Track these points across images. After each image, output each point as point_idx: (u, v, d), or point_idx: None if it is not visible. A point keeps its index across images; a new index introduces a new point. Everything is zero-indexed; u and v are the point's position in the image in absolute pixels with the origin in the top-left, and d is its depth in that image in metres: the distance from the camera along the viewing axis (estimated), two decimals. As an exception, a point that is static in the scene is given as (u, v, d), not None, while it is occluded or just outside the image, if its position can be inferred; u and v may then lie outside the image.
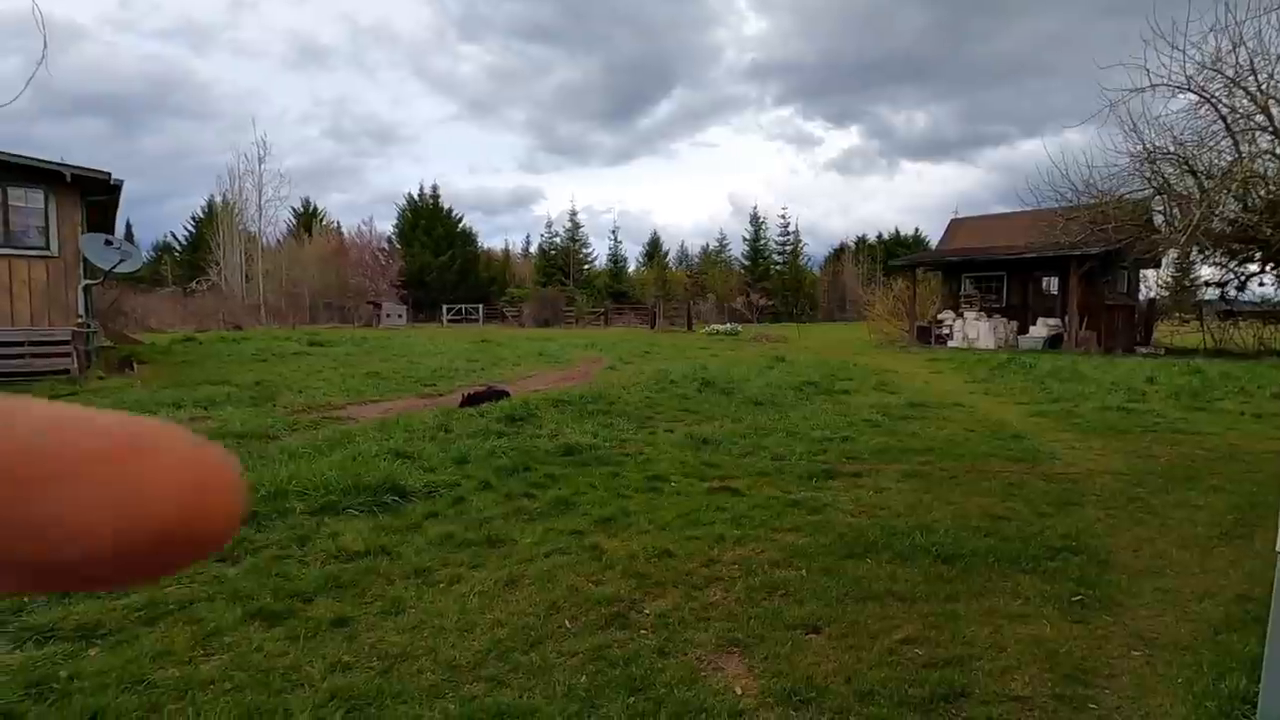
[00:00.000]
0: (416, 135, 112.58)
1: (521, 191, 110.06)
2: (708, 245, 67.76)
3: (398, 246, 50.05)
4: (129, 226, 44.79)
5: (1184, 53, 15.82)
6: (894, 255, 43.53)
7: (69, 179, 11.26)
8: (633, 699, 2.39)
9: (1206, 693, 2.41)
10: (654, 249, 64.54)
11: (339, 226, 53.71)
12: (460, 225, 52.88)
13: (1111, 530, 4.16)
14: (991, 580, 3.37)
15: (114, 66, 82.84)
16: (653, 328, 35.96)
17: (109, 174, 11.67)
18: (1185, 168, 16.88)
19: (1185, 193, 17.20)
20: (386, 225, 54.24)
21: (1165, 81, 15.98)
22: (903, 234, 64.92)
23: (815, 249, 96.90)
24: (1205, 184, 16.53)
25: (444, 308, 44.20)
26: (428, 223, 50.87)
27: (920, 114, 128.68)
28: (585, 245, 59.49)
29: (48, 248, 11.40)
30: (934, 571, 3.46)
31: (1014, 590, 3.26)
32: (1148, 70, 16.12)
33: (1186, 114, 16.52)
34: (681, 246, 69.91)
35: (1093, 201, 18.32)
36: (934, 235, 51.04)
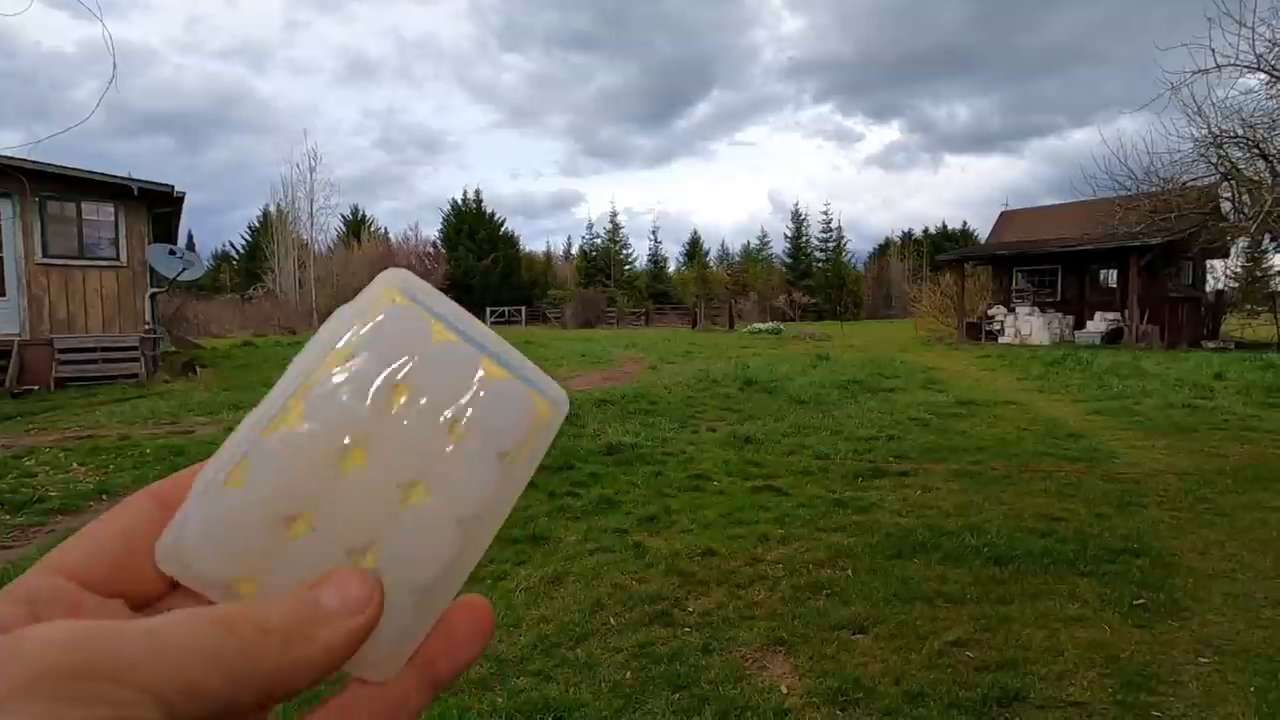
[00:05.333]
0: (461, 143, 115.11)
1: (563, 195, 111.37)
2: (748, 244, 67.26)
3: (442, 251, 51.13)
4: (190, 236, 46.87)
5: (1253, 30, 14.91)
6: (940, 250, 42.38)
7: (136, 193, 11.86)
8: (677, 695, 2.40)
9: (1282, 702, 2.29)
10: (694, 248, 64.36)
11: (386, 233, 55.30)
12: (503, 229, 53.66)
13: (1176, 532, 3.98)
14: (1047, 583, 3.26)
15: (181, 86, 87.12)
16: (694, 327, 35.84)
17: (172, 187, 12.26)
18: (1255, 151, 15.98)
19: (1255, 177, 16.28)
20: (432, 231, 55.56)
21: (1233, 61, 15.14)
22: (950, 228, 63.20)
23: (859, 245, 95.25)
24: (1278, 168, 15.63)
25: (487, 310, 44.95)
26: (471, 227, 51.78)
27: (962, 107, 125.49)
28: (625, 246, 59.73)
29: (117, 258, 12.03)
30: (985, 573, 3.37)
31: (1071, 593, 3.15)
32: (1213, 50, 15.28)
33: (1256, 95, 15.64)
34: (722, 245, 69.76)
35: (1154, 189, 17.49)
36: (982, 229, 49.49)
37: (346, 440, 0.26)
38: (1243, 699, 2.36)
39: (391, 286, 0.28)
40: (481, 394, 0.27)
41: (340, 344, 0.27)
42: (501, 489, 0.27)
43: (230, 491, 0.25)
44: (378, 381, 0.26)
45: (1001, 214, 25.75)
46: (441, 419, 0.27)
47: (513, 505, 0.28)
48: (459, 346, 0.28)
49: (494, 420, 0.27)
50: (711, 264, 63.05)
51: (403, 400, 0.27)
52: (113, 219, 11.98)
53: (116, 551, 0.24)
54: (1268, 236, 17.91)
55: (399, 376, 0.27)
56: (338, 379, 0.26)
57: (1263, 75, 15.15)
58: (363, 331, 0.27)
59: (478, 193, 54.22)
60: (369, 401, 0.26)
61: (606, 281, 53.97)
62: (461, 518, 0.26)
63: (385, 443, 0.26)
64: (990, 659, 2.61)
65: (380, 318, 0.27)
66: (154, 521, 0.25)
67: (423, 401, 0.27)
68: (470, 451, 0.27)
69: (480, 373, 0.28)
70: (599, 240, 59.17)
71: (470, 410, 0.27)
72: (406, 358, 0.27)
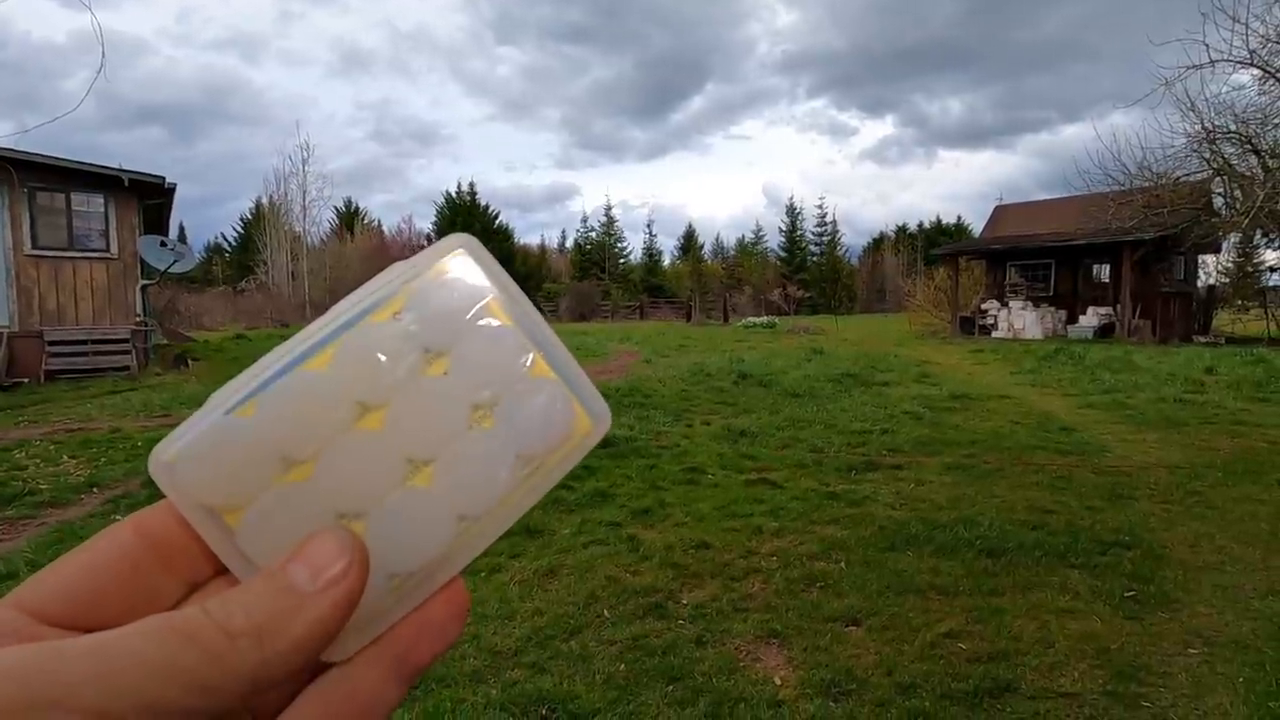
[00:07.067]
0: (455, 135, 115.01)
1: (557, 188, 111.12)
2: (743, 237, 67.22)
3: (436, 244, 50.86)
4: (182, 228, 46.67)
5: (1246, 26, 14.92)
6: (935, 244, 42.49)
7: (126, 184, 11.75)
8: (671, 687, 2.41)
9: (1270, 693, 2.32)
10: (689, 242, 64.27)
11: (380, 225, 55.05)
12: (497, 222, 53.53)
13: (1167, 525, 4.01)
14: (1038, 575, 3.29)
15: (173, 77, 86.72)
16: (688, 321, 35.85)
17: (163, 178, 12.14)
18: (1248, 147, 16.04)
19: (1248, 173, 16.34)
20: (426, 224, 55.40)
21: (1226, 57, 15.17)
22: (944, 222, 63.27)
23: (853, 239, 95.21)
24: (1270, 163, 15.69)
25: (482, 303, 44.65)
26: (465, 220, 51.60)
27: (955, 101, 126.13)
28: (620, 240, 59.61)
29: (108, 250, 11.93)
30: (978, 565, 3.39)
31: (1062, 585, 3.17)
32: (1206, 45, 15.32)
33: (1248, 91, 15.69)
34: (717, 239, 69.56)
35: (1147, 184, 17.55)
36: (976, 223, 49.70)
37: (368, 397, 0.24)
38: (1231, 689, 2.39)
39: (456, 252, 0.26)
40: (520, 389, 0.25)
41: (390, 298, 0.25)
42: (514, 494, 0.25)
43: (237, 419, 0.23)
44: (417, 345, 0.25)
45: (995, 208, 25.80)
46: (471, 402, 0.25)
47: (523, 513, 0.26)
48: (511, 333, 0.26)
49: (525, 420, 0.25)
50: (706, 257, 62.98)
51: (438, 372, 0.25)
52: (103, 210, 11.86)
53: (81, 586, 0.23)
54: (1259, 232, 18.02)
55: (440, 346, 0.25)
56: (377, 332, 0.25)
57: (1255, 71, 15.19)
58: (416, 291, 0.25)
59: (471, 185, 54.08)
60: (403, 363, 0.25)
61: (601, 275, 53.89)
62: (463, 514, 0.25)
63: (407, 411, 0.24)
64: (982, 650, 2.62)
65: (438, 281, 0.26)
66: (128, 557, 0.23)
67: (457, 379, 0.25)
68: (490, 445, 0.25)
69: (526, 366, 0.26)
70: (594, 233, 59.06)
71: (503, 402, 0.25)
72: (454, 329, 0.25)
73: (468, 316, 0.26)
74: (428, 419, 0.25)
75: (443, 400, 0.25)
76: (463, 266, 0.26)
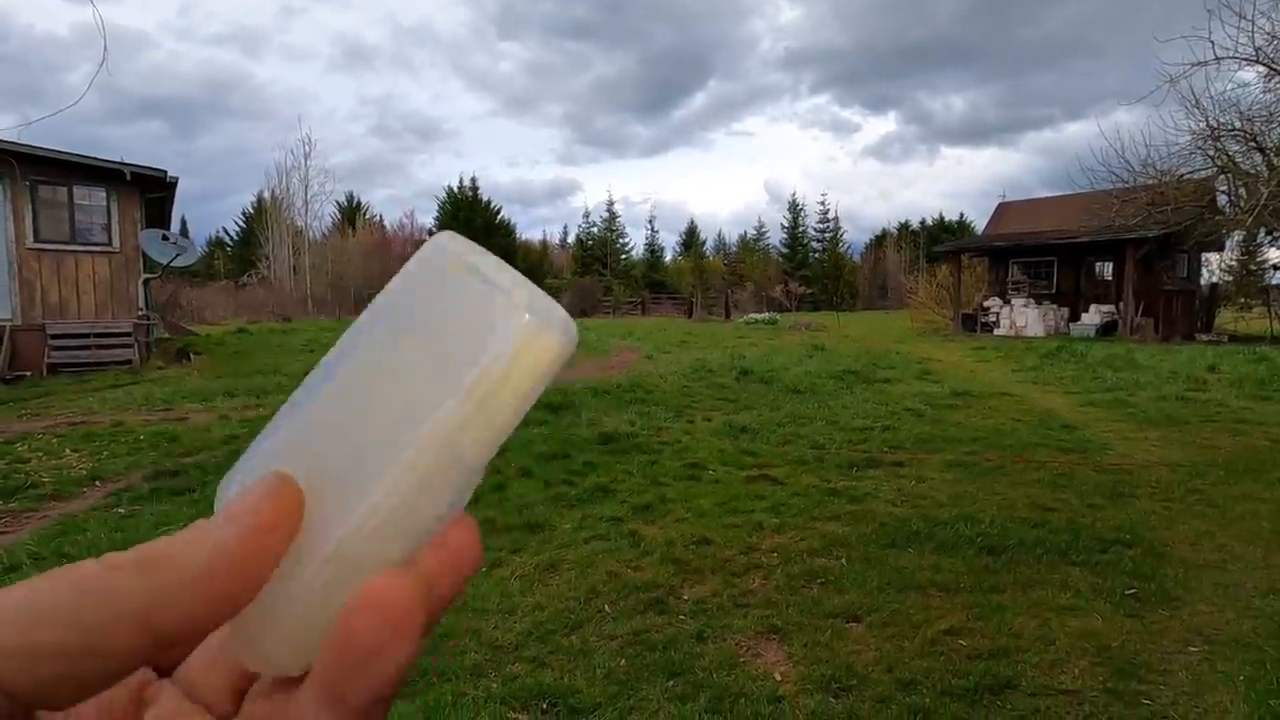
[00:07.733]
0: (458, 130, 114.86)
1: (559, 183, 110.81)
2: (745, 234, 67.08)
3: (438, 238, 50.81)
4: (184, 222, 46.61)
5: (1252, 22, 14.82)
6: (937, 241, 42.40)
7: (129, 177, 11.74)
8: (671, 682, 2.41)
9: (1270, 691, 2.32)
10: (691, 238, 64.14)
11: (381, 220, 55.02)
12: (499, 217, 53.47)
13: (1168, 523, 4.01)
14: (1039, 572, 3.29)
15: (175, 71, 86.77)
16: (690, 317, 35.82)
17: (165, 172, 12.14)
18: (1252, 144, 15.97)
19: (1252, 171, 16.28)
20: (428, 219, 55.27)
21: (1232, 54, 15.11)
22: (946, 219, 63.11)
23: (855, 236, 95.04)
24: (1274, 161, 15.63)
25: (483, 298, 44.64)
26: (467, 215, 51.54)
27: (958, 99, 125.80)
28: (622, 235, 59.53)
29: (110, 243, 11.93)
30: (978, 562, 3.39)
31: (1063, 583, 3.17)
32: (1212, 42, 15.24)
33: (1254, 88, 15.64)
34: (719, 235, 69.25)
35: (1151, 182, 17.49)
36: (978, 220, 49.64)
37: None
38: (1231, 687, 2.39)
39: (423, 255, 0.24)
40: (469, 313, 0.23)
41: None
42: (470, 420, 0.21)
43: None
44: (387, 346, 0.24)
45: (998, 206, 25.73)
46: (433, 354, 0.22)
47: (485, 450, 0.22)
48: (463, 273, 0.24)
49: (468, 339, 0.22)
50: (708, 254, 62.89)
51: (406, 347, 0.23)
52: (105, 204, 11.86)
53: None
54: (1263, 230, 17.96)
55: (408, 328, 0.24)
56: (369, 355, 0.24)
57: (1260, 68, 15.12)
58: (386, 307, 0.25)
59: (473, 180, 53.97)
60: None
61: (603, 270, 53.85)
62: (410, 461, 0.20)
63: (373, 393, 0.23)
64: (982, 647, 2.63)
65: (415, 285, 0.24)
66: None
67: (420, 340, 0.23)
68: (439, 373, 0.22)
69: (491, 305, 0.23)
70: (595, 229, 58.99)
71: (436, 325, 0.23)
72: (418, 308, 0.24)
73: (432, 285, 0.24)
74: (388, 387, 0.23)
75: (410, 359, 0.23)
76: (454, 269, 0.24)
